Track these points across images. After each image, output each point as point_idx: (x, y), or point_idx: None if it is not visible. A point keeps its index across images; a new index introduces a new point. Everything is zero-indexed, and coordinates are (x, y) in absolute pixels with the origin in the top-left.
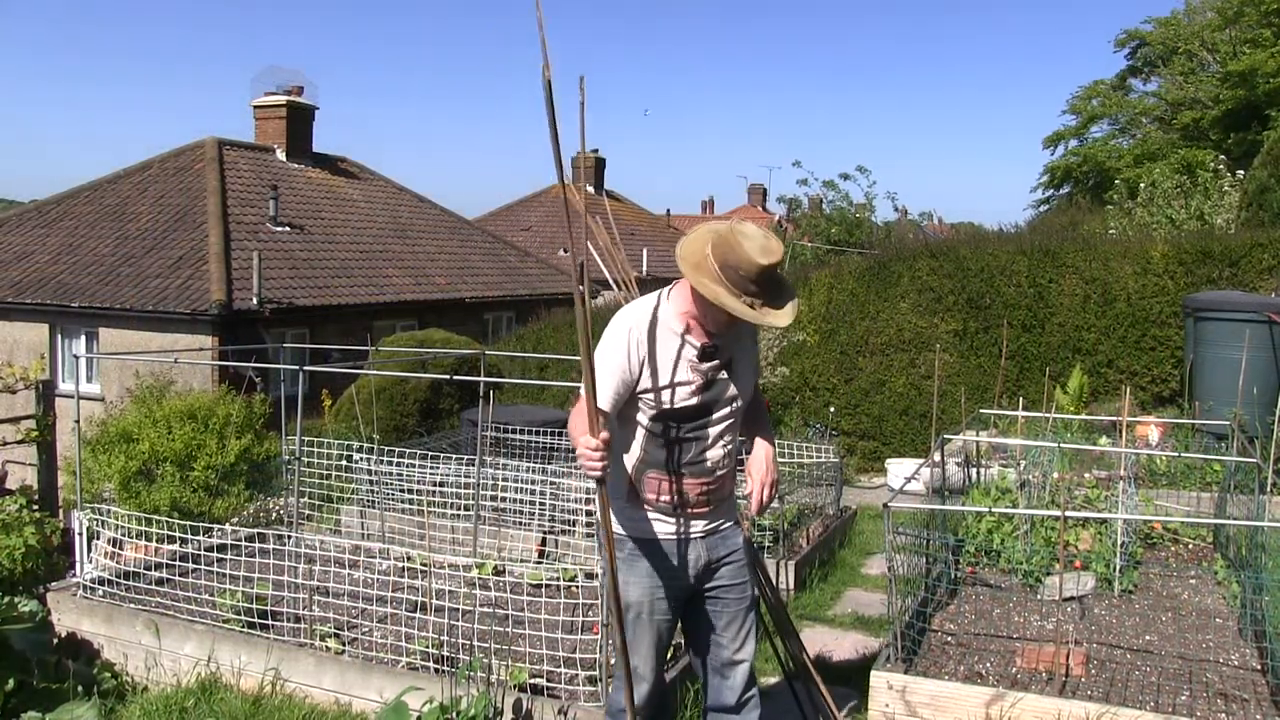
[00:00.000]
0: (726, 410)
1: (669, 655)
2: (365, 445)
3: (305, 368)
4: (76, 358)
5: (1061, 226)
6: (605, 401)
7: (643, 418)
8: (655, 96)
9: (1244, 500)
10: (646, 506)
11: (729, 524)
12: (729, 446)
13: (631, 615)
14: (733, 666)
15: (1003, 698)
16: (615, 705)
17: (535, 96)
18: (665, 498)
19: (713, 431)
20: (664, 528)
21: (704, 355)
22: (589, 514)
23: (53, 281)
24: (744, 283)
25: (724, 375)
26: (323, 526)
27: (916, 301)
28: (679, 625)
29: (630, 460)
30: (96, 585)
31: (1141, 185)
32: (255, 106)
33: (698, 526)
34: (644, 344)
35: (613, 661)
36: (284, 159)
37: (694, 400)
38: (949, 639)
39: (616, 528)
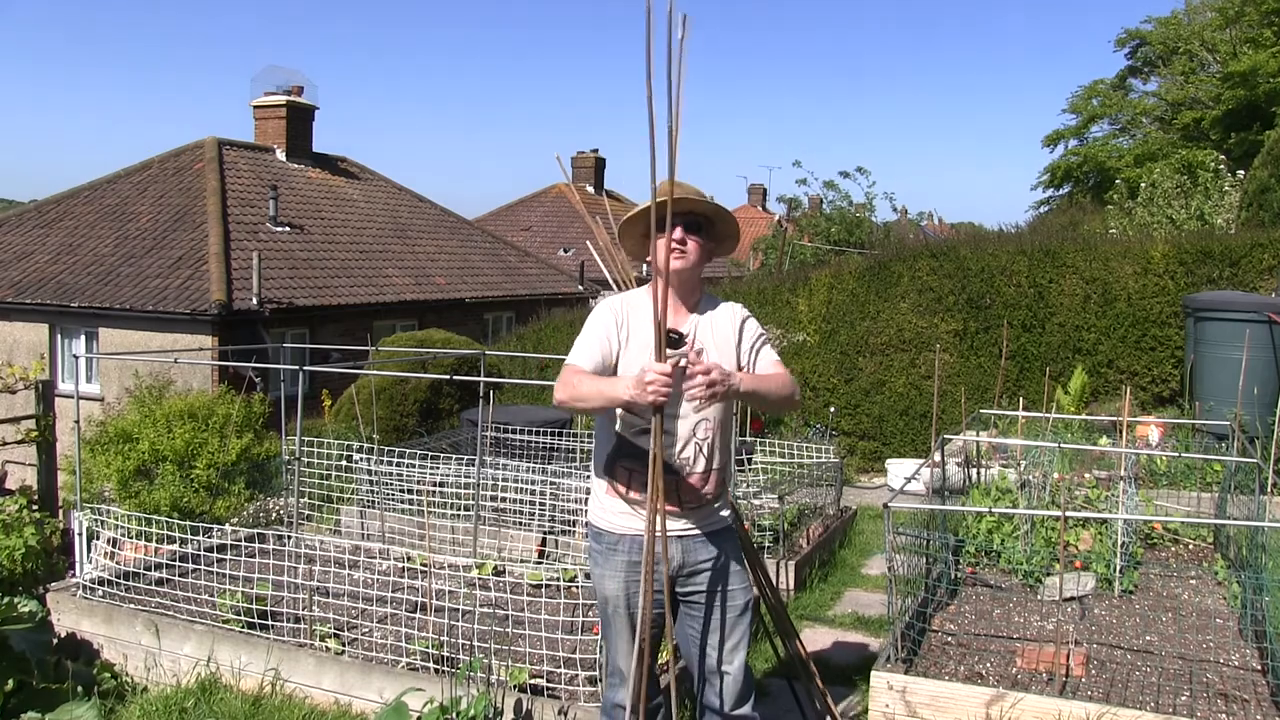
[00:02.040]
0: (695, 404)
1: (661, 656)
2: (365, 445)
3: (305, 368)
4: (76, 358)
5: (1061, 226)
6: (586, 361)
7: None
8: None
9: (1244, 500)
10: (619, 499)
11: (712, 530)
12: (701, 444)
13: (609, 610)
14: (718, 676)
15: (1003, 698)
16: (609, 702)
17: (534, 96)
18: (635, 491)
19: (680, 425)
20: (635, 522)
21: (670, 342)
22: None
23: (53, 281)
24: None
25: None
26: (323, 526)
27: (916, 301)
28: (663, 627)
29: (606, 450)
30: (96, 585)
31: (1142, 185)
32: (255, 106)
33: (671, 526)
34: (625, 323)
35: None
36: (284, 159)
37: None
38: (949, 639)
39: (595, 520)
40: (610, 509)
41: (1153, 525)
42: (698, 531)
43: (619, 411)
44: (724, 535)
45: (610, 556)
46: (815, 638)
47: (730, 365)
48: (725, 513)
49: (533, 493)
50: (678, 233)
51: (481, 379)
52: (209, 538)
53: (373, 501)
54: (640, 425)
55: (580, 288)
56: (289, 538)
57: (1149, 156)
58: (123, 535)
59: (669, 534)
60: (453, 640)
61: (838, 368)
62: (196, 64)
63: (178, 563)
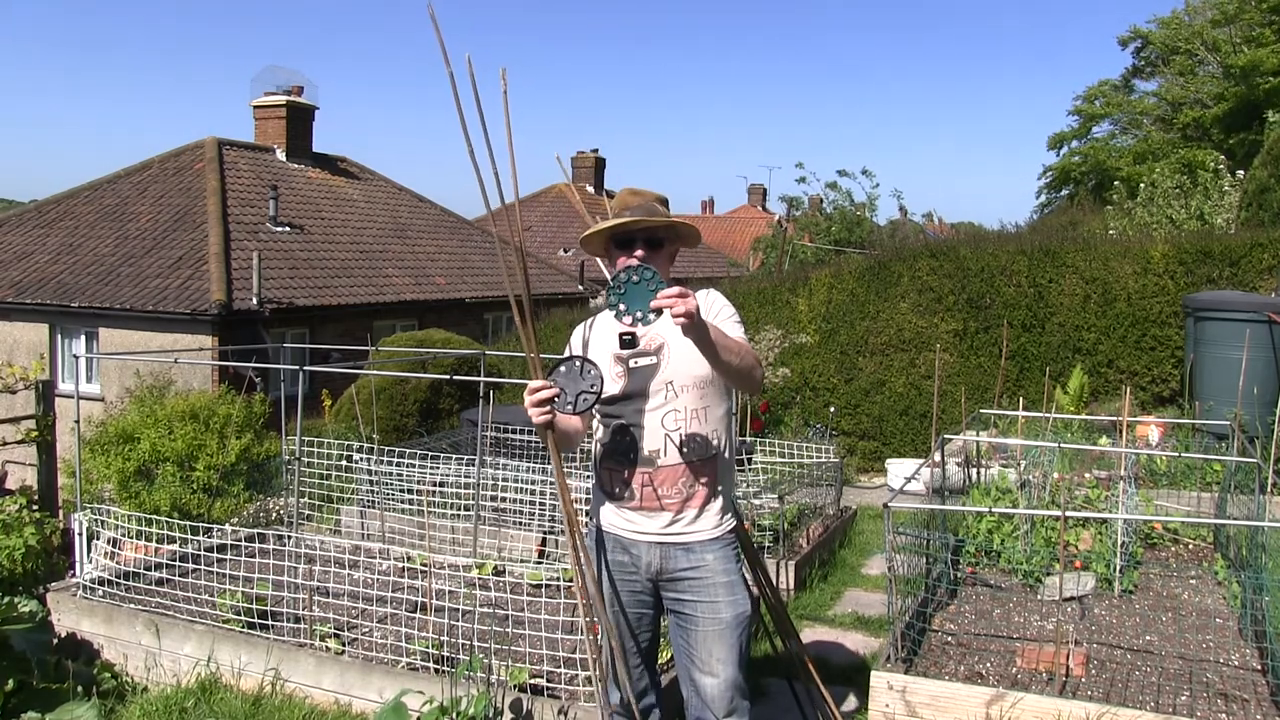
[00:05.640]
0: (661, 397)
1: (658, 660)
2: (365, 445)
3: (305, 368)
4: (76, 358)
5: (1061, 226)
6: None
7: (597, 409)
8: (656, 96)
9: (1244, 500)
10: (606, 498)
11: (696, 539)
12: (674, 436)
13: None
14: (703, 687)
15: (1003, 698)
16: (607, 702)
17: (534, 96)
18: (616, 489)
19: (647, 420)
20: (618, 521)
21: (623, 343)
22: (589, 514)
23: (53, 281)
24: (615, 212)
25: (651, 361)
26: (323, 526)
27: (916, 301)
28: (656, 628)
29: (597, 449)
30: (96, 585)
31: (1141, 185)
32: (255, 106)
33: (650, 526)
34: (589, 339)
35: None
36: (284, 159)
37: (618, 387)
38: (949, 639)
39: (592, 515)
40: (600, 508)
41: (1153, 525)
42: (677, 538)
43: (596, 410)
44: (710, 546)
45: (598, 553)
46: (815, 637)
47: (694, 352)
48: (712, 522)
49: (533, 493)
50: (639, 252)
51: (481, 379)
52: (209, 538)
53: (373, 501)
54: (609, 429)
55: (580, 287)
56: (289, 538)
57: (1149, 155)
58: (123, 535)
59: (645, 536)
60: (453, 640)
61: (838, 367)
62: (197, 64)
63: (178, 563)
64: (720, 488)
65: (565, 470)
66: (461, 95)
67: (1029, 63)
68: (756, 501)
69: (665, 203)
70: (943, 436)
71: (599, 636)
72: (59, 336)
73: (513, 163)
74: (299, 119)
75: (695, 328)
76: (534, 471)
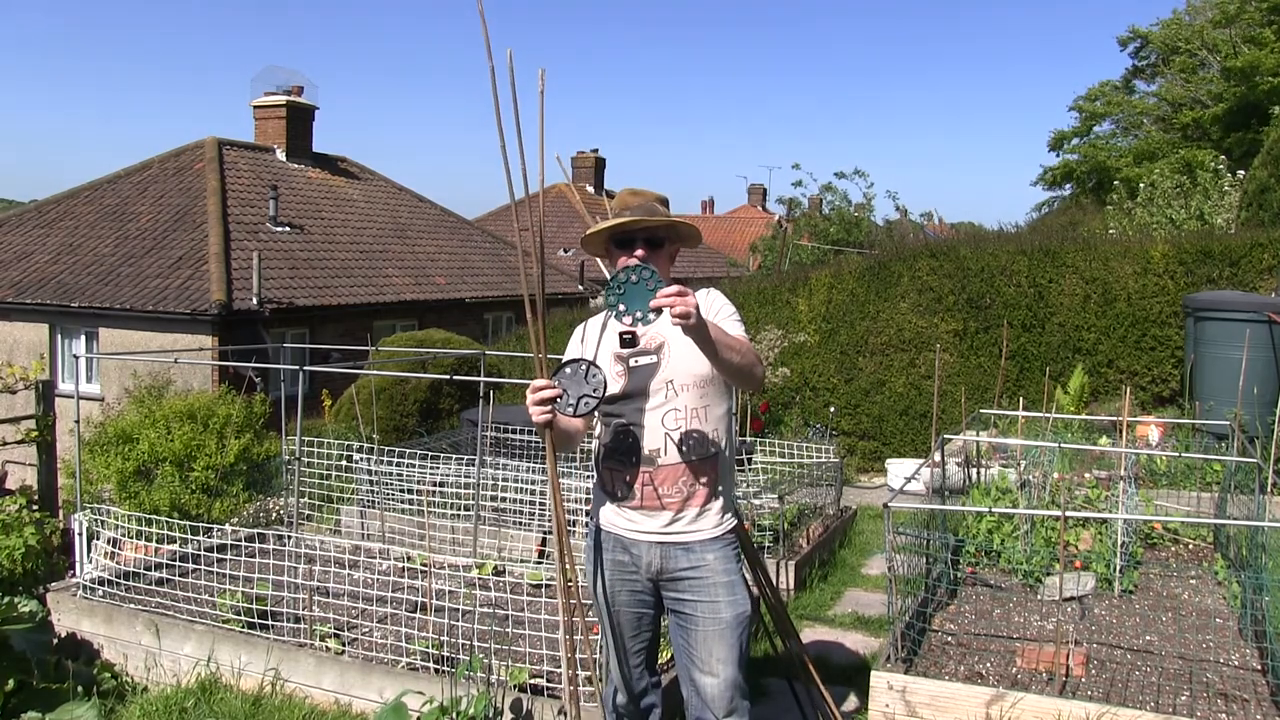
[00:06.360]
0: (661, 396)
1: (658, 659)
2: (365, 445)
3: (305, 368)
4: (76, 358)
5: (1061, 226)
6: None
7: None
8: (656, 96)
9: (1244, 500)
10: (607, 498)
11: (697, 539)
12: (674, 435)
13: (597, 606)
14: (703, 687)
15: (1003, 698)
16: (608, 701)
17: (534, 95)
18: (617, 489)
19: (648, 419)
20: (619, 520)
21: (623, 342)
22: (589, 514)
23: (53, 281)
24: (616, 212)
25: (651, 360)
26: (323, 526)
27: (916, 301)
28: (656, 628)
29: (599, 448)
30: (96, 585)
31: (1141, 185)
32: (255, 106)
33: (651, 525)
34: (589, 340)
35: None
36: (284, 159)
37: (618, 387)
38: (949, 639)
39: (592, 514)
40: (601, 509)
41: (1153, 525)
42: (678, 538)
43: (598, 412)
44: (710, 545)
45: (595, 555)
46: (815, 637)
47: (694, 351)
48: (712, 522)
49: (533, 493)
50: (639, 252)
51: (481, 379)
52: (209, 538)
53: (373, 501)
54: (610, 429)
55: (580, 287)
56: (289, 538)
57: (1148, 155)
58: (123, 535)
59: (646, 535)
60: (453, 640)
61: (838, 367)
62: (197, 64)
63: (178, 563)
64: (721, 487)
65: (565, 470)
66: (499, 87)
67: (1030, 63)
68: (756, 501)
69: (665, 203)
70: (943, 436)
71: (586, 637)
72: (59, 336)
73: (541, 157)
74: (299, 119)
75: (695, 327)
76: (534, 471)
